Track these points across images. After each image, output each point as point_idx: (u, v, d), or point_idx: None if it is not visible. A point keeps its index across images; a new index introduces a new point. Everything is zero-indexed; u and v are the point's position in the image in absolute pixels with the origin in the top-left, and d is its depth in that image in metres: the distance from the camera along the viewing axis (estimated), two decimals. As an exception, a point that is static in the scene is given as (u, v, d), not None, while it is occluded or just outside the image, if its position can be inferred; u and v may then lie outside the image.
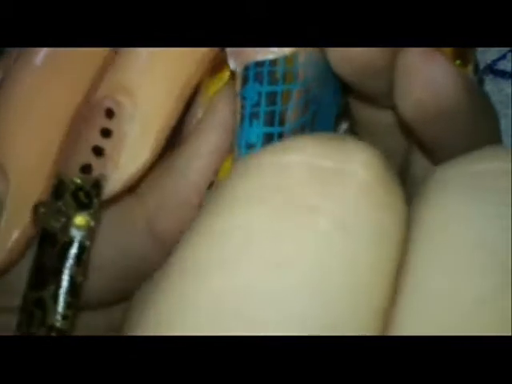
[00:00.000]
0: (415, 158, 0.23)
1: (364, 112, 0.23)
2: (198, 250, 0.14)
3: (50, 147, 0.21)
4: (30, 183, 0.21)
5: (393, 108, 0.21)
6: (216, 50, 0.21)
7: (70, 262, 0.19)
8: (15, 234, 0.21)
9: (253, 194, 0.14)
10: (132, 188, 0.21)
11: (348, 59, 0.20)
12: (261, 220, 0.14)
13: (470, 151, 0.15)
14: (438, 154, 0.22)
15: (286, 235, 0.13)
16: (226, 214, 0.14)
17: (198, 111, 0.22)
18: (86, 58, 0.21)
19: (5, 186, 0.20)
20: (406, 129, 0.22)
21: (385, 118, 0.22)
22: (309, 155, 0.14)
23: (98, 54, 0.21)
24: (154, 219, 0.22)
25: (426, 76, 0.20)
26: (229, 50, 0.20)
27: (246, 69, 0.19)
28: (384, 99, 0.21)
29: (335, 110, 0.22)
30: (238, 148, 0.19)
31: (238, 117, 0.19)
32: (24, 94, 0.21)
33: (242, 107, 0.19)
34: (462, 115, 0.20)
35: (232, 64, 0.20)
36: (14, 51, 0.22)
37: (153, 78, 0.20)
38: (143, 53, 0.20)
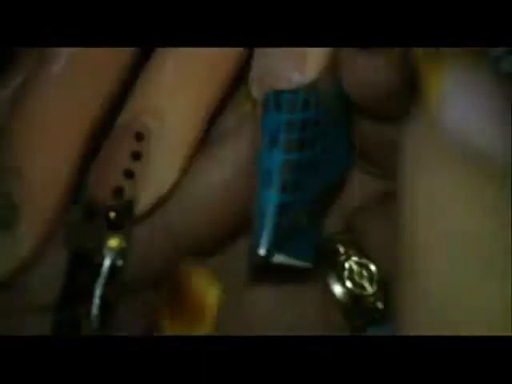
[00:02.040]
0: None
1: (371, 130, 0.24)
2: None
3: (67, 159, 0.21)
4: (46, 192, 0.21)
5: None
6: (238, 69, 0.21)
7: (102, 281, 0.20)
8: (31, 241, 0.21)
9: None
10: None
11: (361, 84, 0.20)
12: None
13: None
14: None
15: None
16: None
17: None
18: (104, 72, 0.21)
19: (22, 190, 0.21)
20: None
21: (391, 135, 0.23)
22: None
23: (116, 67, 0.22)
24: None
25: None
26: (252, 77, 0.20)
27: (266, 97, 0.20)
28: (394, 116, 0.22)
29: (345, 158, 0.23)
30: (259, 174, 0.20)
31: (259, 143, 0.20)
32: (44, 104, 0.21)
33: (263, 134, 0.20)
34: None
35: (254, 91, 0.20)
36: (34, 52, 0.23)
37: (179, 100, 0.21)
38: (169, 73, 0.21)
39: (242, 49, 0.21)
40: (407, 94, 0.21)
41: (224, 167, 0.22)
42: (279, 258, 0.20)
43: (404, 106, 0.21)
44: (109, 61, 0.22)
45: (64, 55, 0.21)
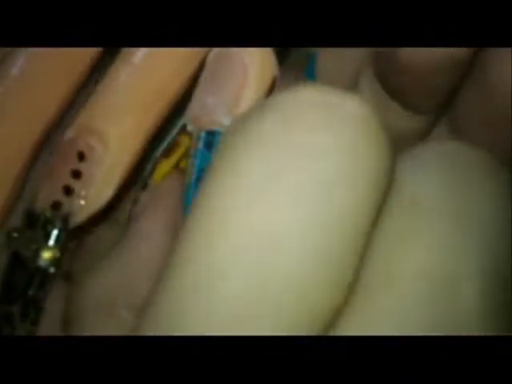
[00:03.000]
0: None
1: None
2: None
3: (16, 161, 0.23)
4: None
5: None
6: (181, 93, 0.23)
7: (35, 286, 0.22)
8: None
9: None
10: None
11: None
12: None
13: None
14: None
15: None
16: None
17: (146, 193, 0.24)
18: (61, 75, 0.23)
19: None
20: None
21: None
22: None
23: (73, 72, 0.23)
24: None
25: None
26: (189, 115, 0.22)
27: (200, 135, 0.21)
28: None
29: None
30: (185, 207, 0.21)
31: (188, 177, 0.22)
32: None
33: (192, 170, 0.21)
34: None
35: (189, 127, 0.22)
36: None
37: (125, 125, 0.22)
38: (118, 97, 0.22)
39: (189, 71, 0.22)
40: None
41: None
42: None
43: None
44: (66, 65, 0.23)
45: (23, 54, 0.23)
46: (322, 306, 0.16)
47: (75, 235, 0.23)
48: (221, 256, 0.16)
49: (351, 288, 0.16)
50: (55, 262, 0.22)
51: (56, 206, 0.22)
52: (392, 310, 0.16)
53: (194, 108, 0.22)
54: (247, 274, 0.15)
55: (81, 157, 0.22)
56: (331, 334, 0.16)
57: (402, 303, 0.16)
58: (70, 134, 0.22)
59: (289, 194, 0.16)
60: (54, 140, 0.23)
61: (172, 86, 0.22)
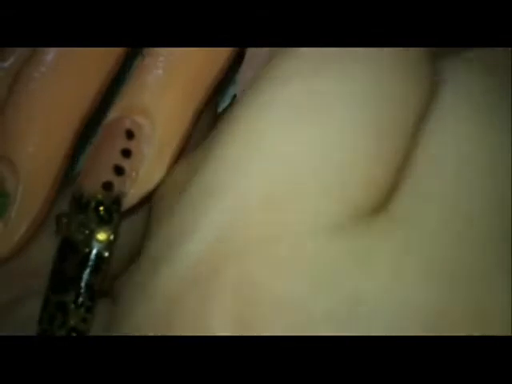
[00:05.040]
0: None
1: None
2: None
3: (59, 148, 0.22)
4: (39, 181, 0.22)
5: None
6: (225, 69, 0.23)
7: (89, 270, 0.21)
8: (23, 228, 0.22)
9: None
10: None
11: None
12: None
13: None
14: None
15: None
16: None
17: None
18: (91, 65, 0.22)
19: (15, 181, 0.22)
20: None
21: None
22: None
23: (103, 60, 0.22)
24: None
25: None
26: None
27: None
28: None
29: None
30: None
31: None
32: (34, 97, 0.22)
33: None
34: None
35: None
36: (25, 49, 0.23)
37: (170, 100, 0.22)
38: (159, 72, 0.22)
39: (228, 51, 0.22)
40: None
41: None
42: None
43: None
44: (100, 55, 0.22)
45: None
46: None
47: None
48: None
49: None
50: (109, 245, 0.21)
51: (107, 186, 0.21)
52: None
53: (246, 70, 0.22)
54: None
55: (129, 135, 0.21)
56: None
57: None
58: (114, 114, 0.22)
59: None
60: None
61: (218, 62, 0.22)
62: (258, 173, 0.18)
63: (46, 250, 0.22)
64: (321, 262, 0.17)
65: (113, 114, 0.22)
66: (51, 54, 0.22)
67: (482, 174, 0.18)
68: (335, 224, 0.17)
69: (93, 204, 0.21)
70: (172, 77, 0.22)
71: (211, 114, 0.24)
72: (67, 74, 0.22)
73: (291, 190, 0.18)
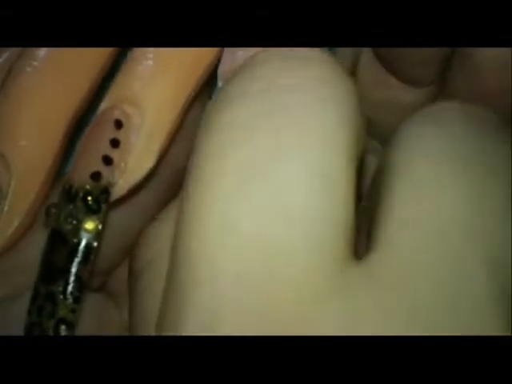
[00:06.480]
0: None
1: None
2: None
3: (51, 142, 0.22)
4: (31, 176, 0.22)
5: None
6: (214, 60, 0.22)
7: (77, 261, 0.21)
8: (15, 223, 0.22)
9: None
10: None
11: None
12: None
13: None
14: None
15: None
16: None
17: None
18: (85, 60, 0.22)
19: (7, 176, 0.22)
20: None
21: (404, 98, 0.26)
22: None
23: (97, 55, 0.22)
24: None
25: None
26: (220, 70, 0.21)
27: None
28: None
29: None
30: None
31: None
32: (27, 90, 0.22)
33: None
34: None
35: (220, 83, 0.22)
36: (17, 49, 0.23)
37: (159, 90, 0.22)
38: (149, 63, 0.22)
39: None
40: None
41: None
42: None
43: None
44: (93, 50, 0.22)
45: None
46: None
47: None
48: None
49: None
50: (97, 234, 0.21)
51: (95, 176, 0.21)
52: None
53: (225, 62, 0.21)
54: None
55: (118, 125, 0.21)
56: None
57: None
58: (105, 104, 0.22)
59: None
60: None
61: (209, 52, 0.22)
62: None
63: (38, 246, 0.22)
64: None
65: (104, 105, 0.22)
66: (44, 48, 0.22)
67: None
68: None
69: (81, 194, 0.21)
70: (162, 67, 0.22)
71: (203, 104, 0.24)
72: (60, 69, 0.22)
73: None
